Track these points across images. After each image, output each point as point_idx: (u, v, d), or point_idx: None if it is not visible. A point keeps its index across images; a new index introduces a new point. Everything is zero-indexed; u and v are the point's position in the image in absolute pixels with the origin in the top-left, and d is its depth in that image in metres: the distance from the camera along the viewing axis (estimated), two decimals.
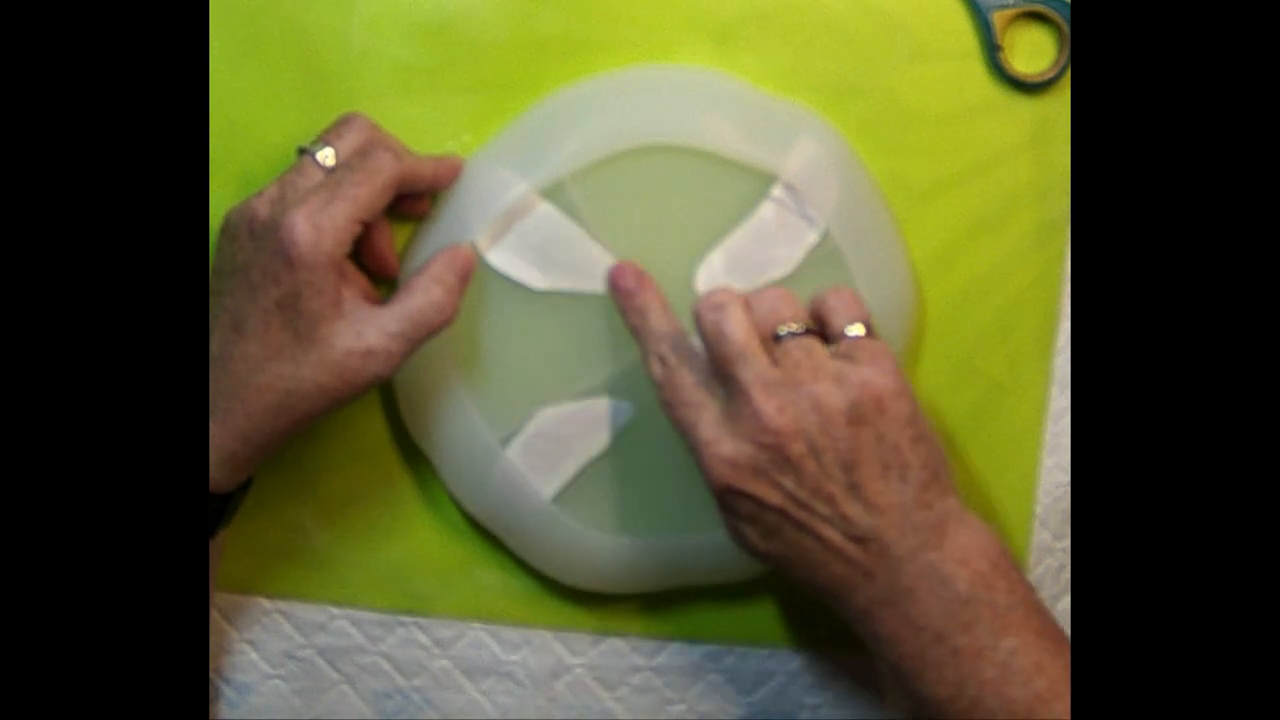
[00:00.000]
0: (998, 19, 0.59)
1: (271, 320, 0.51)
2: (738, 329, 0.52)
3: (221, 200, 0.59)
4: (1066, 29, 0.59)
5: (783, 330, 0.52)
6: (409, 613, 0.62)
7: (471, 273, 0.56)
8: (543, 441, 0.58)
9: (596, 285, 0.58)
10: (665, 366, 0.53)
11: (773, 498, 0.51)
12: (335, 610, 0.62)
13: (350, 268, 0.55)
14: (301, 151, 0.55)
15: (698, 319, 0.53)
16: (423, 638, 0.62)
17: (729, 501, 0.52)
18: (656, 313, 0.55)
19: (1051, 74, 0.60)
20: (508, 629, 0.62)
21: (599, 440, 0.58)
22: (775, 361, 0.51)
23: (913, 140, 0.60)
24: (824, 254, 0.57)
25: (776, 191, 0.57)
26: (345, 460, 0.61)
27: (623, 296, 0.56)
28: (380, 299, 0.56)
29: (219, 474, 0.53)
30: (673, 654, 0.63)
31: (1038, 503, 0.62)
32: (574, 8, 0.59)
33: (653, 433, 0.58)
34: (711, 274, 0.57)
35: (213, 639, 0.62)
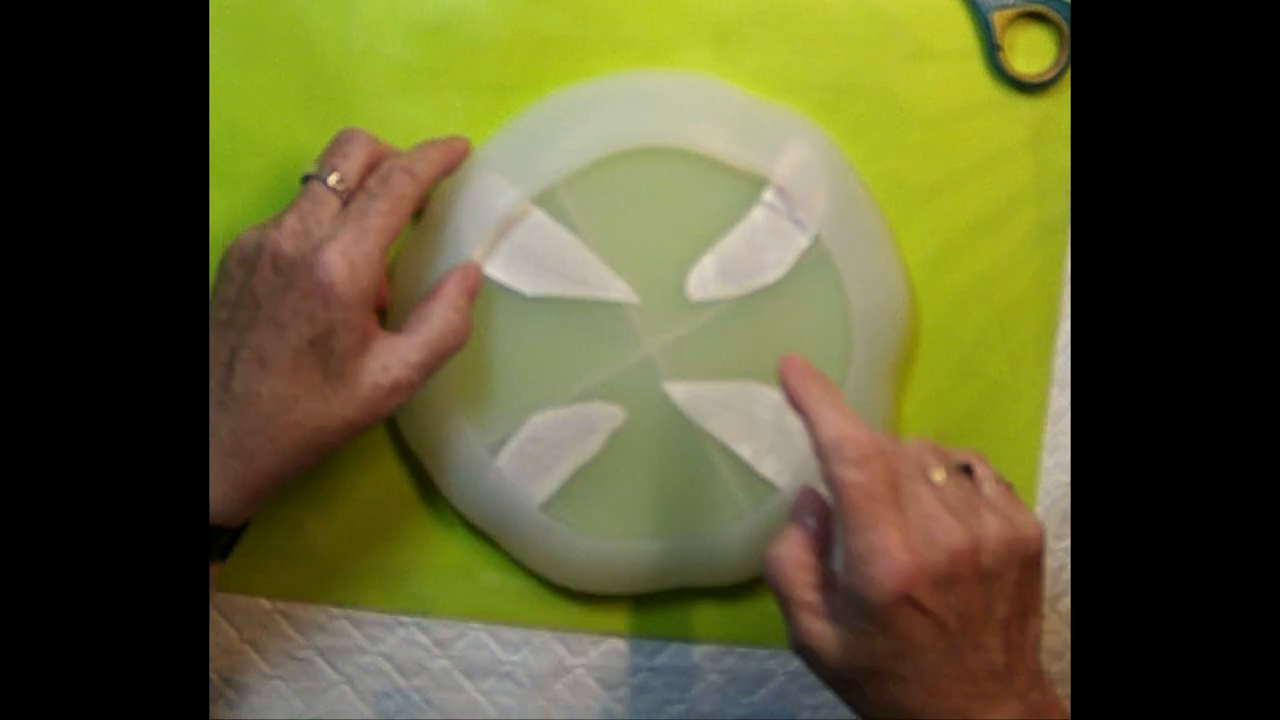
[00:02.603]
0: (998, 19, 0.59)
1: (303, 359, 0.51)
2: (914, 450, 0.50)
3: (221, 200, 0.59)
4: (1066, 29, 0.59)
5: (937, 476, 0.50)
6: (409, 613, 0.62)
7: (478, 290, 0.56)
8: (534, 447, 0.58)
9: (588, 291, 0.57)
10: (861, 453, 0.49)
11: (941, 613, 0.48)
12: (335, 611, 0.62)
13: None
14: (308, 178, 0.54)
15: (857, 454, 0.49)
16: (423, 638, 0.62)
17: (892, 611, 0.48)
18: (840, 400, 0.51)
19: (1051, 74, 0.60)
20: (508, 629, 0.62)
21: (591, 445, 0.58)
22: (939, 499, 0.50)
23: (912, 140, 0.60)
24: (815, 258, 0.57)
25: (768, 196, 0.57)
26: (345, 461, 0.61)
27: (794, 390, 0.51)
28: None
29: (242, 510, 0.52)
30: (673, 654, 0.63)
31: (1038, 503, 0.62)
32: (573, 8, 0.59)
33: (644, 437, 0.58)
34: (703, 278, 0.57)
35: (213, 639, 0.62)
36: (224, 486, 0.51)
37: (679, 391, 0.58)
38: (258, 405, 0.51)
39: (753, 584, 0.62)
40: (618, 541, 0.59)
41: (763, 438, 0.58)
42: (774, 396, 0.58)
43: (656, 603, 0.62)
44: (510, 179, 0.57)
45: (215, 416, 0.51)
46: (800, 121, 0.59)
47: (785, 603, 0.50)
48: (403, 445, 0.61)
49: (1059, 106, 0.60)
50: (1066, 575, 0.62)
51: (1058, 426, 0.61)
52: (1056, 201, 0.60)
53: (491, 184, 0.57)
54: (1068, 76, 0.60)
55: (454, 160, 0.56)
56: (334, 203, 0.53)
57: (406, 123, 0.59)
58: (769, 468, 0.58)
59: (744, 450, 0.58)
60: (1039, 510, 0.62)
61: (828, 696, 0.63)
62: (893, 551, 0.47)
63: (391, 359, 0.52)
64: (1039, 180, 0.60)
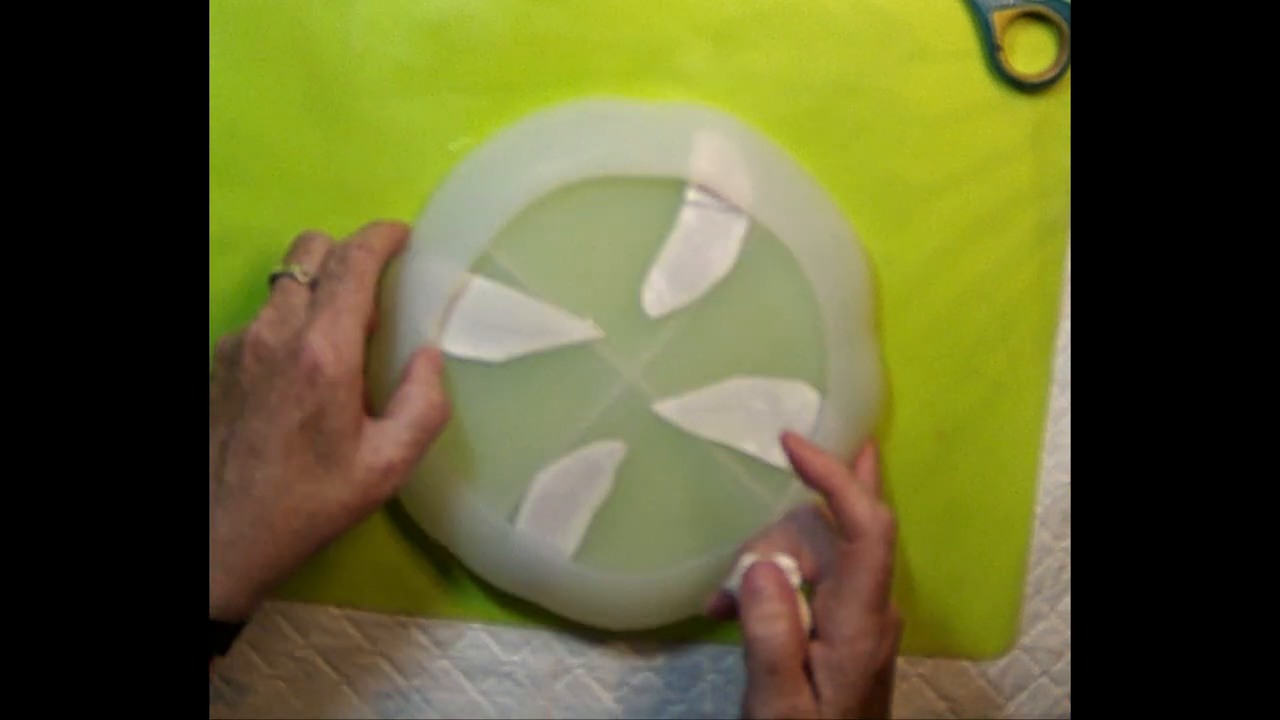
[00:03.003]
0: (998, 19, 0.59)
1: (294, 443, 0.51)
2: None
3: (221, 200, 0.59)
4: (1066, 29, 0.59)
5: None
6: (409, 613, 0.62)
7: (442, 366, 0.56)
8: (548, 503, 0.58)
9: (552, 340, 0.57)
10: (890, 545, 0.52)
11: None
12: (335, 610, 0.62)
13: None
14: (276, 277, 0.54)
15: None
16: (423, 638, 0.62)
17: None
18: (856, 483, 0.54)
19: (1052, 74, 0.60)
20: (508, 629, 0.62)
21: (602, 486, 0.58)
22: None
23: (913, 140, 0.60)
24: (758, 240, 0.57)
25: (691, 194, 0.57)
26: None
27: (807, 468, 0.54)
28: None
29: (246, 604, 0.52)
30: (673, 654, 0.63)
31: (1038, 502, 0.62)
32: (574, 8, 0.59)
33: (650, 463, 0.58)
34: (657, 294, 0.57)
35: None
36: (225, 580, 0.51)
37: (669, 409, 0.58)
38: (253, 493, 0.51)
39: None
40: (655, 572, 0.59)
41: (763, 428, 0.58)
42: (761, 385, 0.58)
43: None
44: (442, 256, 0.57)
45: (212, 511, 0.51)
46: (705, 113, 0.59)
47: (774, 681, 0.51)
48: None
49: (1059, 106, 0.60)
50: (1066, 575, 0.62)
51: (1058, 426, 0.61)
52: (1056, 201, 0.60)
53: (428, 267, 0.57)
54: (1068, 76, 0.60)
55: (399, 239, 0.57)
56: (304, 293, 0.54)
57: (406, 123, 0.59)
58: (778, 456, 0.58)
59: (749, 445, 0.58)
60: (1038, 510, 0.62)
61: None
62: (887, 631, 0.52)
63: (382, 440, 0.53)
64: (1039, 180, 0.60)
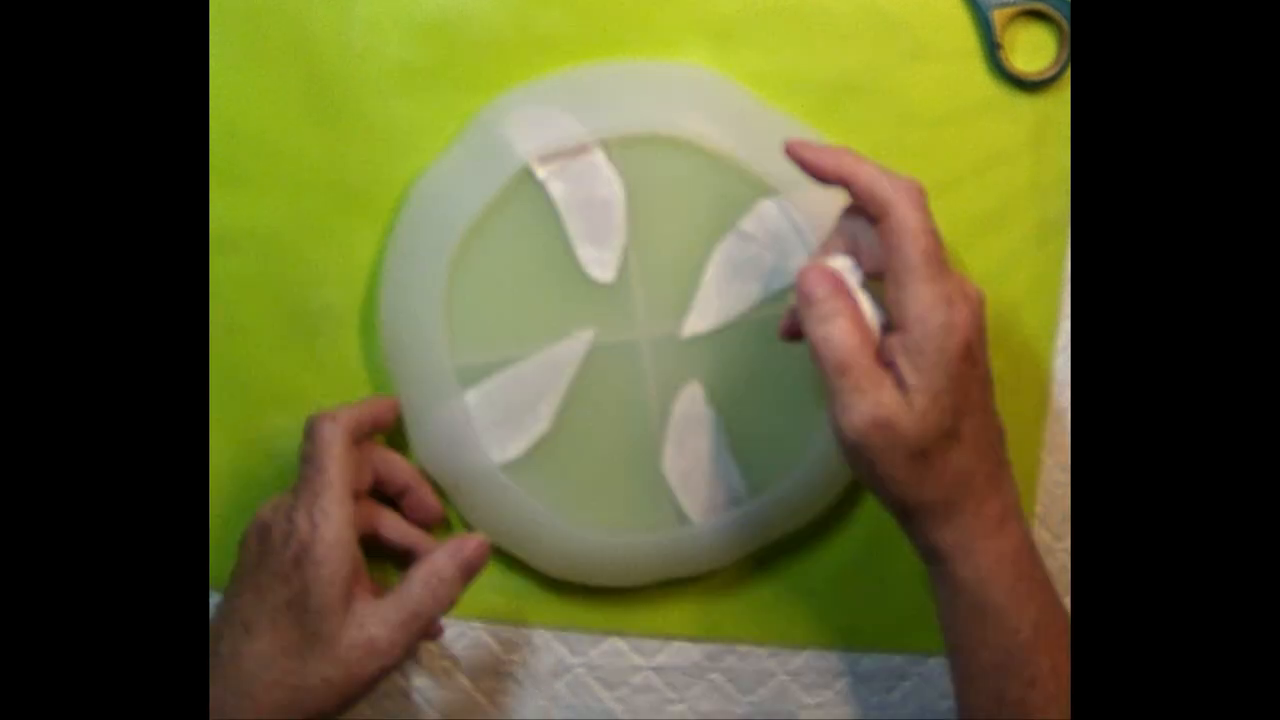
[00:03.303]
0: (998, 17, 0.59)
1: (280, 618, 0.52)
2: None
3: (221, 200, 0.59)
4: (1067, 27, 0.59)
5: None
6: None
7: (482, 568, 0.55)
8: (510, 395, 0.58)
9: (601, 256, 0.58)
10: (919, 209, 0.51)
11: (986, 367, 0.51)
12: None
13: (361, 563, 0.55)
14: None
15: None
16: None
17: (960, 362, 0.49)
18: (863, 161, 0.52)
19: (1052, 72, 0.59)
20: (508, 629, 0.62)
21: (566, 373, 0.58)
22: None
23: (913, 140, 0.60)
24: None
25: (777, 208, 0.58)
26: None
27: (813, 162, 0.52)
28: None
29: None
30: (673, 653, 0.63)
31: (1038, 502, 0.62)
32: (574, 7, 0.59)
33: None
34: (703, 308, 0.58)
35: None
36: None
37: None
38: (240, 665, 0.52)
39: (753, 583, 0.62)
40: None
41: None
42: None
43: (657, 602, 0.62)
44: (573, 117, 0.57)
45: (211, 684, 0.52)
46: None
47: (849, 382, 0.49)
48: (404, 444, 0.61)
49: (1059, 105, 0.60)
50: (1067, 575, 0.62)
51: (1058, 426, 0.61)
52: (1056, 201, 0.60)
53: (550, 115, 0.57)
54: (1068, 74, 0.59)
55: (381, 411, 0.58)
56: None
57: (407, 122, 0.59)
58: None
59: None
60: (1038, 509, 0.62)
61: (828, 695, 0.63)
62: (957, 300, 0.49)
63: (370, 618, 0.53)
64: (1039, 179, 0.60)
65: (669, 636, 0.62)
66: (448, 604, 0.54)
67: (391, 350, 0.59)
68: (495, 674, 0.63)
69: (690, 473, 0.59)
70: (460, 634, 0.62)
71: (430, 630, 0.54)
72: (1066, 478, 0.61)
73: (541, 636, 0.62)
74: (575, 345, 0.58)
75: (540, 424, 0.58)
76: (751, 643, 0.62)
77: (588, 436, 0.58)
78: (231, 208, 0.59)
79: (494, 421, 0.58)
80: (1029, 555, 0.52)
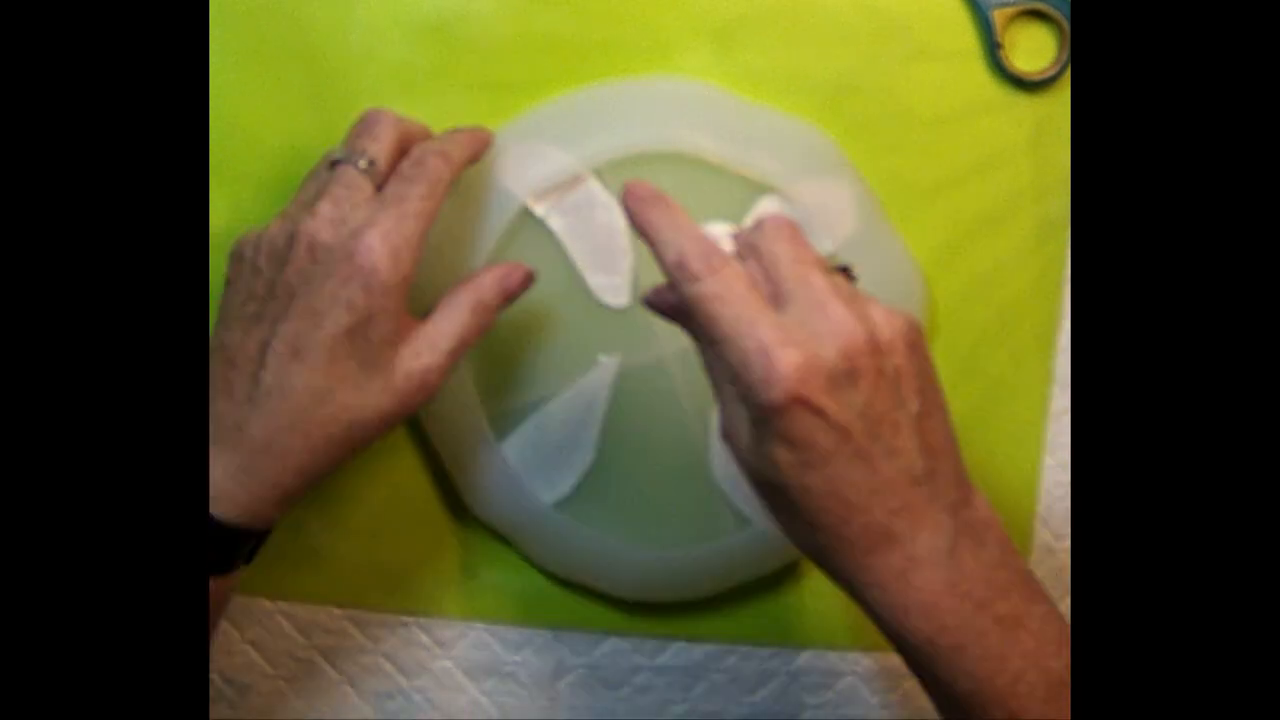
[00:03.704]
0: (998, 17, 0.59)
1: (339, 349, 0.49)
2: (784, 243, 0.46)
3: (222, 200, 0.59)
4: (1067, 27, 0.59)
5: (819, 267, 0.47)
6: (411, 613, 0.62)
7: (516, 294, 0.54)
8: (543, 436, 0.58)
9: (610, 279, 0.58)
10: (708, 264, 0.45)
11: (843, 415, 0.43)
12: (337, 611, 0.62)
13: None
14: (336, 163, 0.52)
15: (742, 239, 0.48)
16: (424, 638, 0.63)
17: (786, 417, 0.43)
18: (682, 219, 0.47)
19: (1052, 72, 0.59)
20: (509, 629, 0.62)
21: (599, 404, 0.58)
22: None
23: (913, 140, 0.60)
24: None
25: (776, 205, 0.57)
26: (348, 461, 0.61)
27: (635, 217, 0.48)
28: None
29: (272, 511, 0.50)
30: (675, 654, 0.63)
31: (1039, 502, 0.62)
32: (574, 8, 0.59)
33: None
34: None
35: (214, 639, 0.62)
36: (254, 486, 0.49)
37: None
38: (291, 399, 0.49)
39: (755, 584, 0.62)
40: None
41: None
42: None
43: (657, 602, 0.62)
44: (562, 149, 0.57)
45: (245, 413, 0.49)
46: (831, 150, 0.59)
47: (763, 331, 0.44)
48: (406, 443, 0.61)
49: (1060, 105, 0.60)
50: (1067, 576, 0.62)
51: (1059, 426, 0.61)
52: (1057, 200, 0.60)
53: (542, 151, 0.57)
54: (1068, 74, 0.60)
55: (480, 147, 0.55)
56: (367, 187, 0.51)
57: None
58: None
59: None
60: (1039, 509, 0.62)
61: (829, 696, 0.63)
62: (773, 350, 0.43)
63: (423, 345, 0.51)
64: (1040, 179, 0.60)
65: (671, 637, 0.62)
66: (486, 330, 0.53)
67: (424, 409, 0.60)
68: (497, 674, 0.63)
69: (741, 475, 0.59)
70: (461, 634, 0.62)
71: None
72: (1066, 478, 0.61)
73: (543, 637, 0.62)
74: (603, 373, 0.58)
75: (585, 456, 0.58)
76: (753, 643, 0.62)
77: (634, 459, 0.58)
78: (231, 207, 0.59)
79: (538, 463, 0.58)
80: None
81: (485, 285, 0.53)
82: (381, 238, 0.49)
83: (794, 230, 0.47)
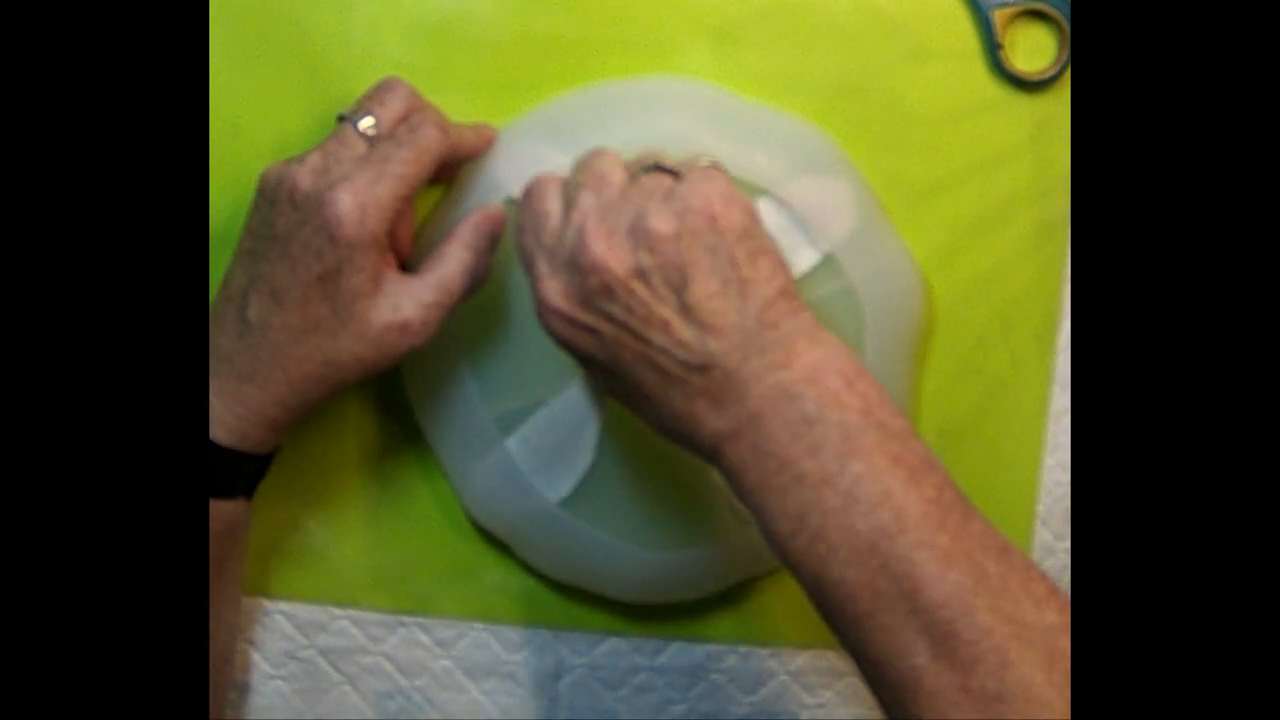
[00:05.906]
0: (998, 17, 0.59)
1: (311, 294, 0.51)
2: (601, 161, 0.51)
3: (221, 200, 0.59)
4: (1067, 27, 0.59)
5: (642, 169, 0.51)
6: (411, 613, 0.62)
7: (501, 233, 0.55)
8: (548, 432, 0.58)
9: None
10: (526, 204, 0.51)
11: (605, 328, 0.48)
12: (337, 610, 0.62)
13: (387, 241, 0.54)
14: (341, 119, 0.54)
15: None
16: (424, 638, 0.63)
17: (567, 336, 0.49)
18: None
19: (1052, 72, 0.59)
20: (509, 629, 0.62)
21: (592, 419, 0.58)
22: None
23: (913, 140, 0.60)
24: (824, 265, 0.57)
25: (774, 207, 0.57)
26: (346, 460, 0.61)
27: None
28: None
29: (260, 435, 0.53)
30: (674, 654, 0.63)
31: (1039, 502, 0.62)
32: (574, 8, 0.59)
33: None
34: None
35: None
36: (241, 411, 0.52)
37: None
38: (269, 336, 0.52)
39: (754, 584, 0.62)
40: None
41: None
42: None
43: (657, 603, 0.62)
44: (555, 149, 0.57)
45: (233, 344, 0.52)
46: (831, 150, 0.59)
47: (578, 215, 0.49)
48: (406, 443, 0.61)
49: (1059, 105, 0.60)
50: (1067, 576, 0.62)
51: (1059, 425, 0.61)
52: (1057, 200, 0.60)
53: (538, 151, 0.57)
54: (1068, 74, 0.60)
55: (483, 143, 0.57)
56: (360, 146, 0.53)
57: None
58: None
59: None
60: (1039, 509, 0.62)
61: (829, 696, 0.63)
62: (540, 281, 0.49)
63: (403, 299, 0.52)
64: (1040, 179, 0.60)
65: (670, 637, 0.62)
66: (483, 277, 0.54)
67: (423, 411, 0.60)
68: (497, 674, 0.63)
69: None
70: (461, 634, 0.62)
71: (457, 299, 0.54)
72: (1067, 478, 0.61)
73: (543, 637, 0.62)
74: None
75: (584, 457, 0.58)
76: (752, 643, 0.62)
77: (633, 460, 0.58)
78: (231, 207, 0.59)
79: (539, 463, 0.58)
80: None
81: (464, 234, 0.54)
82: (352, 194, 0.51)
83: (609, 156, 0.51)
